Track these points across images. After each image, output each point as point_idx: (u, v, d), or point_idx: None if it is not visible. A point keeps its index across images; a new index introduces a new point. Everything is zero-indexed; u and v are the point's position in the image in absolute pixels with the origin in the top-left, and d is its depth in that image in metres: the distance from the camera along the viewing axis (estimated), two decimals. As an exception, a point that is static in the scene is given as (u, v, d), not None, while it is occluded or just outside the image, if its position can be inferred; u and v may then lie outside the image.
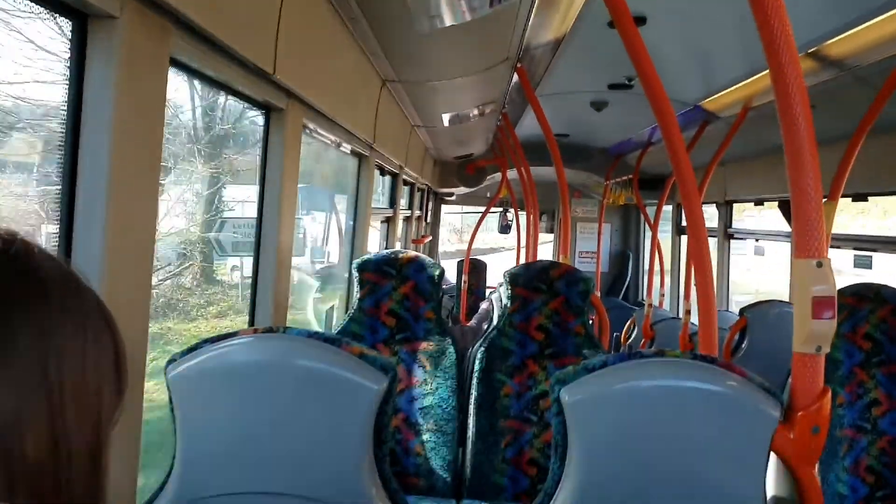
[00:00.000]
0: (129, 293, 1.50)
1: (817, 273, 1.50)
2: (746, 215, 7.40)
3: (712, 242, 6.85)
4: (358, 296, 3.21)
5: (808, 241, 1.51)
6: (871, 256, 4.68)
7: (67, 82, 1.38)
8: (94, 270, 1.37)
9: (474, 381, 3.15)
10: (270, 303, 2.47)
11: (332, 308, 4.56)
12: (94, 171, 1.39)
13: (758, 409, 1.47)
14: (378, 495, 1.46)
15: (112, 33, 1.38)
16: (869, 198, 4.62)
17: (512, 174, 8.27)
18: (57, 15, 1.34)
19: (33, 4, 1.32)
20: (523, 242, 8.80)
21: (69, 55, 1.38)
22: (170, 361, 1.49)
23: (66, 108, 1.38)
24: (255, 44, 2.00)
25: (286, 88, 2.37)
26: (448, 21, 2.82)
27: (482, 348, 3.19)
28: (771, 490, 3.29)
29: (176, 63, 1.73)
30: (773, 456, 1.51)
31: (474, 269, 9.13)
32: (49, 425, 0.61)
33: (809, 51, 3.36)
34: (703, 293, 2.01)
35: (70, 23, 1.36)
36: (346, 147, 3.84)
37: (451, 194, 10.02)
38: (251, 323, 2.49)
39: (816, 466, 2.96)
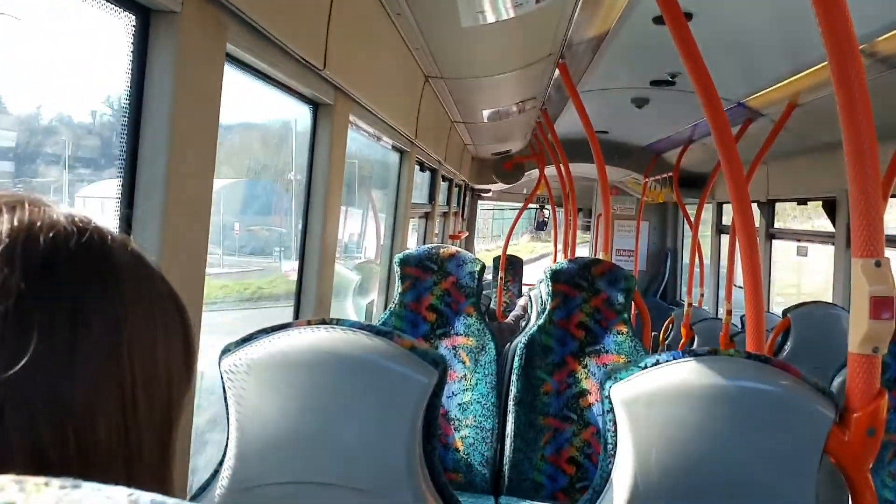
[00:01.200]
0: (184, 284, 1.52)
1: (876, 273, 1.47)
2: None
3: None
4: (399, 290, 3.23)
5: (866, 240, 1.48)
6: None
7: (129, 76, 1.40)
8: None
9: (513, 377, 3.15)
10: (314, 296, 2.49)
11: (371, 302, 4.59)
12: (154, 164, 1.41)
13: (812, 409, 1.46)
14: (427, 488, 1.47)
15: (173, 28, 1.40)
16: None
17: (548, 171, 8.25)
18: (120, 9, 1.36)
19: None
20: (560, 239, 8.76)
21: (132, 50, 1.40)
22: (224, 351, 1.51)
23: (127, 102, 1.40)
24: (307, 39, 2.02)
25: (334, 84, 2.39)
26: (493, 17, 2.82)
27: (522, 344, 3.18)
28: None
29: (232, 58, 1.76)
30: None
31: (510, 266, 9.12)
32: (121, 414, 0.61)
33: (861, 47, 3.31)
34: (752, 294, 1.99)
35: (132, 18, 1.39)
36: (388, 142, 3.86)
37: (488, 190, 10.02)
38: (296, 316, 2.52)
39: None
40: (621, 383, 1.50)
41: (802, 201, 5.96)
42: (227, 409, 1.49)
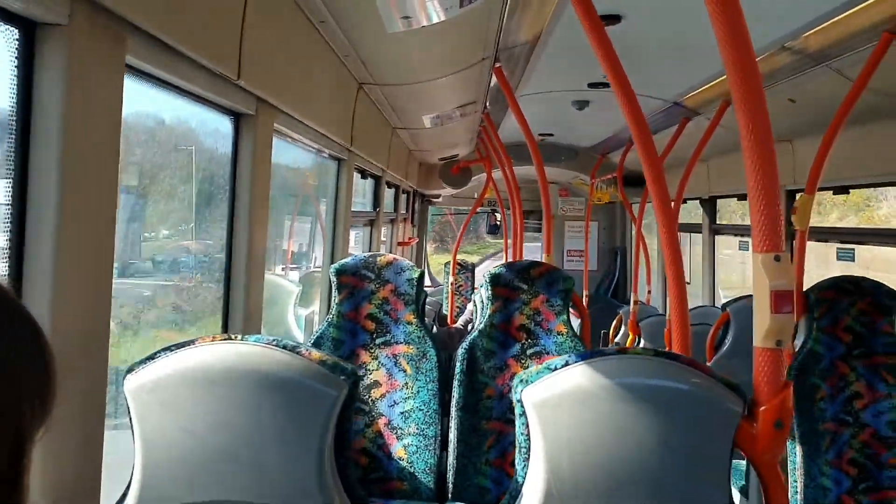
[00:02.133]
0: (88, 301, 1.48)
1: (776, 267, 1.49)
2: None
3: (697, 238, 6.88)
4: (336, 300, 3.20)
5: (766, 235, 1.50)
6: (853, 249, 4.68)
7: (15, 90, 1.36)
8: (47, 282, 1.35)
9: (456, 383, 3.14)
10: (242, 310, 2.45)
11: (312, 313, 4.54)
12: (46, 179, 1.37)
13: (721, 404, 1.47)
14: (340, 500, 1.44)
15: (61, 41, 1.36)
16: (850, 190, 4.63)
17: (497, 174, 8.28)
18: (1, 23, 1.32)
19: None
20: (510, 243, 8.80)
21: (15, 64, 1.36)
22: (128, 370, 1.47)
23: (13, 118, 1.36)
24: (218, 49, 1.99)
25: (254, 94, 2.35)
26: (419, 22, 2.81)
27: (463, 349, 3.17)
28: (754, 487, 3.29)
29: (134, 70, 1.72)
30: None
31: (463, 270, 9.13)
32: None
33: (786, 44, 3.37)
34: (675, 289, 2.01)
35: (16, 31, 1.34)
36: (324, 150, 3.83)
37: (438, 196, 10.01)
38: (224, 331, 2.47)
39: (798, 458, 2.97)
40: (531, 386, 1.50)
41: (742, 197, 6.06)
42: (132, 429, 1.45)
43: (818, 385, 3.07)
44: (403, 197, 7.87)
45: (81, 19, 1.38)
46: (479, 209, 9.10)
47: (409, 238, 8.72)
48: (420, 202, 9.94)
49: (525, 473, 1.52)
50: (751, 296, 4.30)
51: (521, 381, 1.52)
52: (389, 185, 6.46)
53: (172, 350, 1.47)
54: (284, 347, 1.47)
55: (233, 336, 1.49)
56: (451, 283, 8.30)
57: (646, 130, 2.17)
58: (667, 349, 5.21)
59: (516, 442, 1.56)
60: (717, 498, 1.46)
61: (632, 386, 1.47)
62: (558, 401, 1.48)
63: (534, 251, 9.44)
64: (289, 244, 6.27)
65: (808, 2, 2.96)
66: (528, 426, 1.50)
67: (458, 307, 8.53)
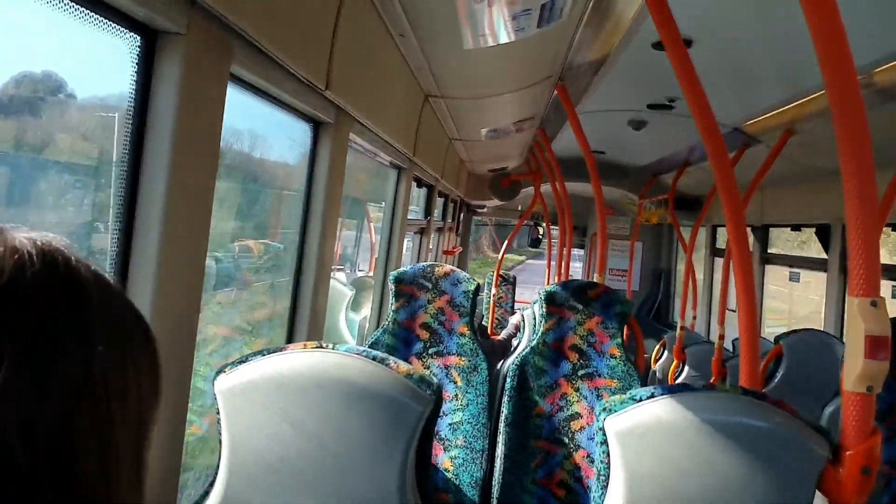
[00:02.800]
0: (180, 303, 1.52)
1: (873, 312, 1.48)
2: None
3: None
4: (393, 307, 3.22)
5: (863, 279, 1.49)
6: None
7: (132, 97, 1.40)
8: (148, 281, 1.39)
9: (505, 398, 3.14)
10: (308, 315, 2.49)
11: (364, 318, 4.58)
12: (155, 183, 1.41)
13: (806, 446, 1.46)
14: None
15: (178, 49, 1.41)
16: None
17: (544, 188, 8.27)
18: (125, 30, 1.37)
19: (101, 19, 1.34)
20: (554, 256, 8.78)
21: (136, 70, 1.40)
22: (219, 371, 1.51)
23: (129, 122, 1.40)
24: (311, 60, 2.03)
25: (335, 103, 2.39)
26: (493, 40, 2.83)
27: (515, 365, 3.18)
28: None
29: (235, 78, 1.76)
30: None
31: (504, 283, 9.13)
32: (96, 430, 0.62)
33: (859, 77, 3.33)
34: (747, 321, 2.00)
35: (137, 38, 1.39)
36: (386, 158, 3.87)
37: (483, 206, 10.04)
38: (289, 338, 2.51)
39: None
40: (616, 415, 1.51)
41: (796, 227, 5.99)
42: (219, 429, 1.49)
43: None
44: (451, 206, 7.91)
45: (198, 28, 1.43)
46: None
47: (454, 247, 8.75)
48: (465, 212, 9.97)
49: (602, 500, 1.52)
50: (806, 330, 4.24)
51: (605, 409, 1.53)
52: (440, 194, 6.49)
53: (264, 354, 1.50)
54: (374, 359, 1.49)
55: (323, 344, 1.52)
56: (493, 295, 8.30)
57: (722, 152, 2.16)
58: (713, 378, 5.17)
59: (595, 469, 1.56)
60: None
61: (717, 423, 1.47)
62: (642, 432, 1.48)
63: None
64: (336, 246, 6.33)
65: (884, 36, 2.92)
66: (608, 455, 1.51)
67: (497, 319, 8.53)
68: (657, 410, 1.49)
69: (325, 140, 2.48)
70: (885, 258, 7.24)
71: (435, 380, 1.51)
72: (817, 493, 1.50)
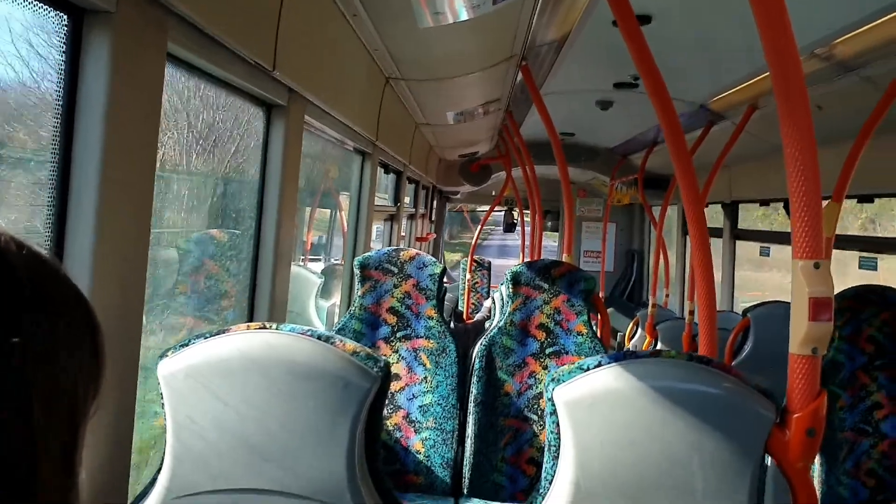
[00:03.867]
0: (123, 289, 1.49)
1: (815, 274, 1.48)
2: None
3: (718, 242, 6.85)
4: (359, 293, 3.21)
5: (806, 242, 1.49)
6: (876, 258, 4.65)
7: (61, 79, 1.37)
8: (86, 266, 1.37)
9: (474, 379, 3.15)
10: (268, 300, 2.47)
11: (333, 305, 4.56)
12: (88, 165, 1.38)
13: (753, 410, 1.46)
14: (368, 493, 1.45)
15: (108, 28, 1.37)
16: (875, 199, 4.60)
17: (517, 173, 8.27)
18: (51, 8, 1.33)
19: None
20: (528, 241, 8.79)
21: (64, 50, 1.37)
22: (161, 356, 1.49)
23: (59, 102, 1.37)
24: (256, 40, 2.00)
25: (287, 85, 2.36)
26: (450, 18, 2.81)
27: (482, 346, 3.18)
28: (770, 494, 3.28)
29: (174, 59, 1.73)
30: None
31: (479, 268, 9.13)
32: (18, 419, 0.59)
33: (815, 51, 3.34)
34: (704, 294, 2.00)
35: (65, 17, 1.36)
36: (349, 144, 3.84)
37: (457, 193, 10.02)
38: (249, 320, 2.49)
39: (816, 469, 2.96)
40: (563, 385, 1.50)
41: (765, 202, 6.03)
42: (164, 415, 1.47)
43: (838, 394, 3.05)
44: (423, 193, 7.88)
45: (128, 6, 1.39)
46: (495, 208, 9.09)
47: (427, 234, 8.73)
48: (438, 198, 9.95)
49: (554, 472, 1.52)
50: (773, 302, 4.28)
51: (553, 379, 1.52)
52: (410, 180, 6.47)
53: (206, 337, 1.48)
54: (318, 337, 1.47)
55: (267, 325, 1.50)
56: (468, 280, 8.30)
57: (678, 131, 2.17)
58: (685, 352, 5.20)
59: (546, 440, 1.56)
60: (747, 501, 1.46)
61: (664, 389, 1.47)
62: (590, 401, 1.48)
63: (547, 251, 9.43)
64: (308, 235, 6.30)
65: (839, 9, 2.93)
66: (558, 425, 1.50)
67: (473, 304, 8.54)
68: (605, 379, 1.49)
69: (278, 123, 2.45)
70: (855, 230, 7.32)
71: (382, 357, 1.50)
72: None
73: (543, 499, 1.53)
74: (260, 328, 1.49)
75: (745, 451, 1.46)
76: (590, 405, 1.48)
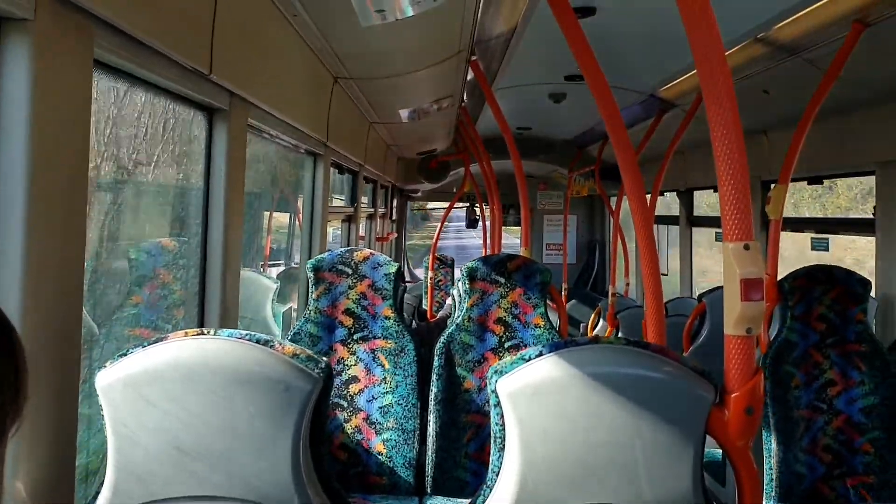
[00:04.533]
0: (58, 302, 1.47)
1: (746, 255, 1.51)
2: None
3: (675, 230, 6.93)
4: (313, 296, 3.19)
5: (735, 225, 1.52)
6: (827, 239, 4.73)
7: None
8: (14, 282, 1.34)
9: (434, 377, 3.14)
10: (218, 305, 2.44)
11: (290, 309, 4.53)
12: (11, 181, 1.35)
13: (692, 392, 1.48)
14: (316, 494, 1.44)
15: (26, 36, 1.35)
16: (823, 181, 4.68)
17: (476, 168, 8.28)
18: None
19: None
20: (488, 237, 8.82)
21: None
22: (98, 368, 1.46)
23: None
24: (189, 44, 1.97)
25: (227, 88, 2.34)
26: (394, 15, 2.80)
27: (441, 343, 3.18)
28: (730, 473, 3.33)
29: (103, 66, 1.70)
30: None
31: (442, 265, 9.13)
32: None
33: (759, 35, 3.40)
34: (650, 280, 2.02)
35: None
36: (300, 146, 3.81)
37: (417, 191, 10.01)
38: (199, 327, 2.46)
39: (773, 446, 3.00)
40: (506, 377, 1.51)
41: (717, 188, 6.11)
42: (105, 428, 1.44)
43: (792, 373, 3.11)
44: (382, 192, 7.86)
45: (47, 13, 1.37)
46: (457, 204, 9.10)
47: (388, 233, 8.71)
48: (399, 197, 9.93)
49: (500, 463, 1.53)
50: (727, 286, 4.33)
51: (496, 371, 1.53)
52: (367, 180, 6.44)
53: (144, 346, 1.46)
54: (257, 342, 1.46)
55: (205, 331, 1.48)
56: (431, 279, 8.30)
57: (619, 123, 2.18)
58: (644, 340, 5.25)
59: (492, 432, 1.56)
60: (689, 484, 1.48)
61: (604, 375, 1.48)
62: (532, 391, 1.49)
63: (513, 246, 9.46)
64: (267, 240, 6.24)
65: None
66: (503, 416, 1.51)
67: (437, 302, 8.54)
68: (545, 368, 1.50)
69: (220, 128, 2.42)
70: (805, 212, 7.45)
71: (324, 359, 1.49)
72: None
73: (491, 491, 1.54)
74: (197, 335, 1.48)
75: (685, 432, 1.48)
76: (532, 395, 1.49)
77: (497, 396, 1.50)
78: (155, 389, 1.42)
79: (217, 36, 2.11)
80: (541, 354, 1.52)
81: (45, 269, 1.41)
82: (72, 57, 1.48)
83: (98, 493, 1.46)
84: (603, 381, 1.47)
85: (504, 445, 1.51)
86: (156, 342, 1.47)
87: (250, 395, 1.41)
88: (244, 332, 1.49)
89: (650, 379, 1.48)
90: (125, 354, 1.46)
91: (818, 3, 2.91)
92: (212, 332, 1.48)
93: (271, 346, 1.46)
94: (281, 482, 1.41)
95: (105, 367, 1.46)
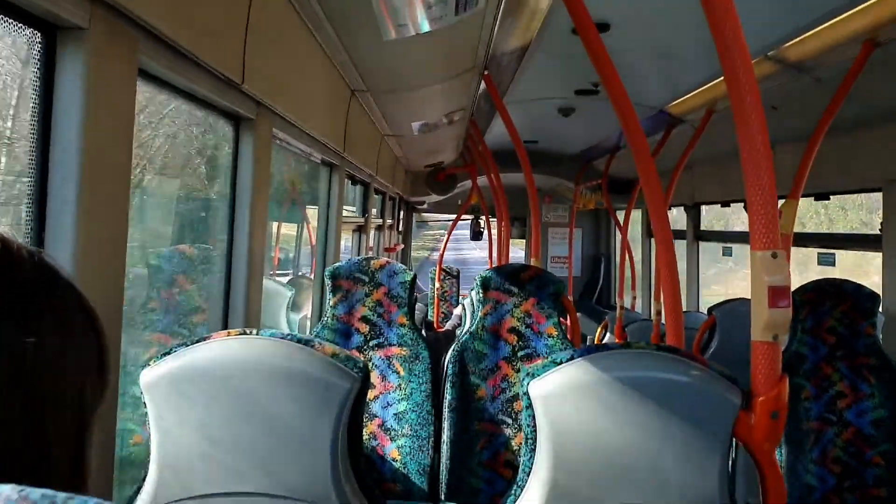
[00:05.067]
0: (102, 301, 1.51)
1: (773, 264, 1.56)
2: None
3: (682, 244, 6.97)
4: (330, 303, 3.23)
5: (763, 234, 1.56)
6: (834, 254, 4.78)
7: (35, 97, 1.39)
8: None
9: (448, 385, 3.18)
10: (242, 309, 2.48)
11: (304, 317, 4.57)
12: (65, 183, 1.40)
13: (719, 396, 1.52)
14: (353, 493, 1.48)
15: (81, 45, 1.40)
16: (831, 196, 4.73)
17: (482, 181, 8.34)
18: (24, 26, 1.35)
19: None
20: (494, 249, 8.86)
21: (38, 67, 1.39)
22: (143, 366, 1.51)
23: (34, 120, 1.39)
24: (224, 54, 2.03)
25: (255, 98, 2.39)
26: (414, 30, 2.86)
27: (455, 351, 3.21)
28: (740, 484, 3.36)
29: (145, 74, 1.76)
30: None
31: (448, 276, 9.18)
32: (26, 425, 0.61)
33: (769, 53, 3.45)
34: (670, 293, 2.06)
35: (38, 35, 1.38)
36: (317, 156, 3.87)
37: (423, 203, 10.07)
38: (224, 328, 2.50)
39: (784, 457, 3.04)
40: (538, 380, 1.55)
41: (725, 203, 6.16)
42: (148, 424, 1.49)
43: (803, 385, 3.14)
44: (389, 204, 7.92)
45: (101, 23, 1.42)
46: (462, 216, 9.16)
47: (395, 244, 8.76)
48: (406, 209, 9.99)
49: (531, 464, 1.57)
50: (737, 299, 4.38)
51: (528, 374, 1.57)
52: (377, 191, 6.50)
53: (188, 345, 1.51)
54: (298, 341, 1.51)
55: (247, 331, 1.53)
56: (437, 290, 8.34)
57: (640, 136, 2.23)
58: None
59: (523, 433, 1.60)
60: (716, 485, 1.52)
61: (634, 379, 1.52)
62: (564, 393, 1.53)
63: (517, 259, 9.50)
64: (276, 250, 6.29)
65: (790, 13, 3.04)
66: (534, 418, 1.55)
67: (443, 313, 8.57)
68: (577, 371, 1.54)
69: (247, 137, 2.48)
70: (812, 228, 7.49)
71: (360, 360, 1.53)
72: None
73: (522, 490, 1.58)
74: (240, 334, 1.52)
75: (713, 435, 1.52)
76: (563, 397, 1.53)
77: (529, 398, 1.55)
78: (197, 387, 1.46)
79: (249, 47, 2.17)
80: (572, 358, 1.56)
81: (92, 268, 1.45)
82: (120, 65, 1.53)
83: (140, 488, 1.50)
84: (633, 384, 1.52)
85: (535, 446, 1.55)
86: (199, 341, 1.51)
87: (292, 393, 1.45)
88: (286, 332, 1.53)
89: (680, 383, 1.52)
90: (169, 353, 1.50)
91: (829, 23, 2.97)
92: (254, 331, 1.53)
93: (312, 346, 1.50)
94: (320, 479, 1.45)
95: (149, 365, 1.50)
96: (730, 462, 3.42)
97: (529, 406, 1.55)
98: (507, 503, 1.61)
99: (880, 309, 3.29)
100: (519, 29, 3.56)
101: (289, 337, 1.52)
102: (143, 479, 1.50)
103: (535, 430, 1.55)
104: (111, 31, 1.47)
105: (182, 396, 1.46)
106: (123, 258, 1.61)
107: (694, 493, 1.52)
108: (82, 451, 0.68)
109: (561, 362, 1.56)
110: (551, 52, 4.01)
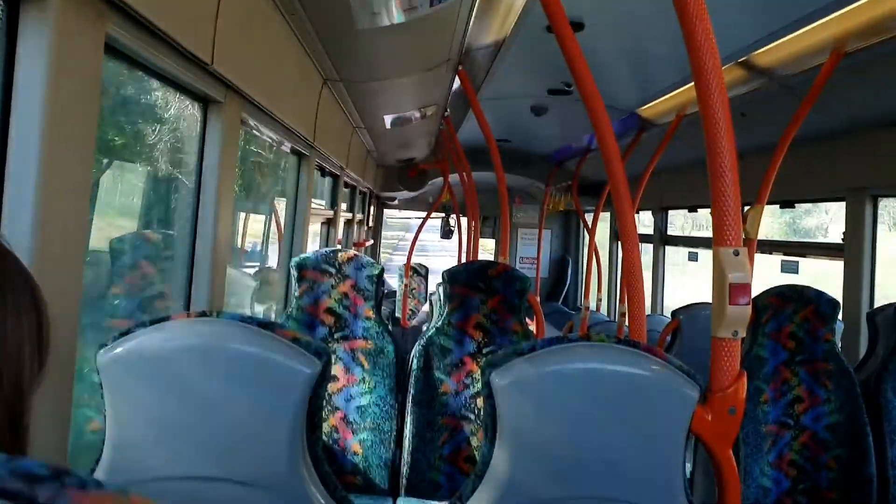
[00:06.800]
0: (60, 280, 1.48)
1: (734, 261, 1.57)
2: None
3: (648, 248, 7.03)
4: (296, 294, 3.21)
5: (725, 231, 1.58)
6: (797, 262, 4.85)
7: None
8: (23, 257, 1.35)
9: (412, 379, 3.17)
10: (207, 291, 2.45)
11: (269, 308, 4.53)
12: (25, 158, 1.37)
13: (677, 390, 1.54)
14: (310, 478, 1.47)
15: (45, 16, 1.36)
16: (795, 204, 4.81)
17: (454, 179, 8.34)
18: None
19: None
20: (464, 247, 8.87)
21: (-1, 36, 1.36)
22: (101, 346, 1.48)
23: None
24: (194, 32, 2.00)
25: (224, 80, 2.36)
26: (388, 20, 2.85)
27: (420, 346, 3.21)
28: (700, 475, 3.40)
29: (111, 50, 1.72)
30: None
31: (417, 274, 9.17)
32: None
33: (739, 60, 3.49)
34: (634, 295, 2.07)
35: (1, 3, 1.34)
36: (287, 145, 3.84)
37: (394, 198, 10.05)
38: (186, 310, 2.47)
39: (742, 461, 3.08)
40: (499, 370, 1.55)
41: (693, 208, 6.23)
42: (104, 405, 1.46)
43: (762, 389, 3.19)
44: (360, 198, 7.89)
45: None
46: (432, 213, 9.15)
47: (363, 240, 8.73)
48: (376, 205, 9.96)
49: (490, 455, 1.56)
50: (699, 303, 4.43)
51: (490, 364, 1.57)
52: (347, 185, 6.47)
53: (146, 326, 1.48)
54: (259, 325, 1.49)
55: (208, 313, 1.51)
56: (405, 286, 8.33)
57: (611, 138, 2.24)
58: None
59: (483, 423, 1.60)
60: (674, 478, 1.53)
61: (594, 371, 1.53)
62: (524, 384, 1.53)
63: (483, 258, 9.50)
64: (242, 241, 6.23)
65: (760, 20, 3.08)
66: (494, 408, 1.55)
67: (410, 310, 8.56)
68: (539, 362, 1.54)
69: (214, 120, 2.45)
70: (774, 235, 7.60)
71: (322, 345, 1.52)
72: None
73: (481, 481, 1.57)
74: (201, 316, 1.50)
75: (671, 428, 1.53)
76: (523, 388, 1.53)
77: (489, 388, 1.54)
78: (157, 369, 1.43)
79: (220, 28, 2.14)
80: (534, 349, 1.56)
81: (51, 243, 1.42)
82: (85, 37, 1.49)
83: (93, 470, 1.47)
84: (593, 376, 1.52)
85: (494, 437, 1.55)
86: (157, 322, 1.48)
87: (251, 376, 1.44)
88: (246, 316, 1.52)
89: (639, 376, 1.53)
90: (126, 333, 1.48)
91: (798, 32, 3.01)
92: (214, 314, 1.51)
93: (273, 330, 1.49)
94: (278, 464, 1.43)
95: (106, 344, 1.47)
96: (690, 464, 3.47)
97: (490, 396, 1.55)
98: (464, 493, 1.60)
99: (840, 316, 3.35)
100: (494, 24, 3.56)
101: (250, 320, 1.50)
102: (97, 462, 1.47)
103: (495, 421, 1.55)
104: (78, 2, 1.43)
105: (139, 378, 1.44)
106: (83, 240, 1.58)
107: (651, 486, 1.53)
108: (20, 419, 0.67)
109: (523, 353, 1.57)
110: (526, 50, 4.01)
